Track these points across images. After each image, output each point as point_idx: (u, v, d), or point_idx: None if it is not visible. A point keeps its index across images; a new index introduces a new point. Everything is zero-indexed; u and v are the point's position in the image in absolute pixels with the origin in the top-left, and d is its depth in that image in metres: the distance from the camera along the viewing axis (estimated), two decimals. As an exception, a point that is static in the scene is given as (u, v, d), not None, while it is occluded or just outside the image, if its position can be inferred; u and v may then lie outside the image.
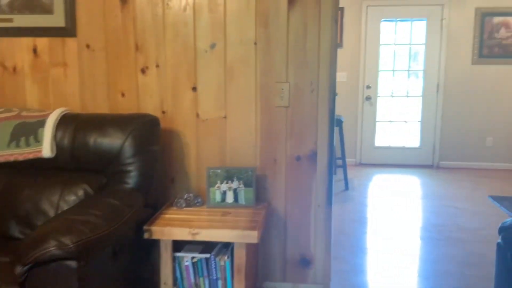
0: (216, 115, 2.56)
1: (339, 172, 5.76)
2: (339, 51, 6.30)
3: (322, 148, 2.56)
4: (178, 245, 2.31)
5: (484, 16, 6.07)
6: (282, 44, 2.48)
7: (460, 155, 6.40)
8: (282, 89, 2.51)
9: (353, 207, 4.57)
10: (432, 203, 4.74)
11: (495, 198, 4.91)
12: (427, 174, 6.02)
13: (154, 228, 2.19)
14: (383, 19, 6.32)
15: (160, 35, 2.53)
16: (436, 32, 6.22)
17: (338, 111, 6.32)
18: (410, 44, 6.41)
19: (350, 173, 5.84)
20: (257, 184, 2.56)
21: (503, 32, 6.08)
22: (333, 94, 2.56)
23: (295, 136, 2.55)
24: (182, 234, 2.18)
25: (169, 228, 2.18)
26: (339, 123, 5.12)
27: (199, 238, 2.17)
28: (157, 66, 2.55)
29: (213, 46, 2.50)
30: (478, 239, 3.73)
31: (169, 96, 2.56)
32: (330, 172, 2.62)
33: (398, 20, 6.36)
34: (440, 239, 3.71)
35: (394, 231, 3.91)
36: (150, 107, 2.58)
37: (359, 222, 4.13)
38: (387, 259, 3.33)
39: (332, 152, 2.61)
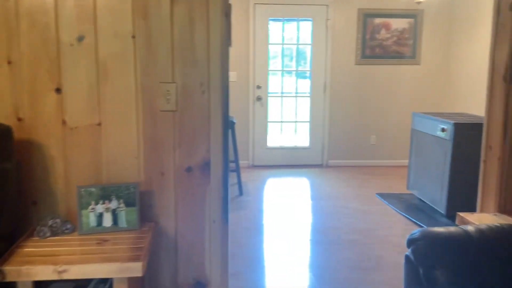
0: (88, 122, 2.13)
1: (233, 176, 5.52)
2: (228, 49, 6.06)
3: (216, 157, 2.26)
4: (43, 284, 1.87)
5: (366, 17, 6.25)
6: (166, 39, 2.13)
7: (347, 153, 6.54)
8: (168, 90, 2.17)
9: (248, 214, 4.36)
10: (325, 204, 4.71)
11: (382, 196, 5.03)
12: (318, 173, 6.05)
13: (8, 268, 1.72)
14: (271, 18, 6.21)
15: (12, 25, 2.03)
16: (322, 32, 6.27)
17: (229, 112, 6.07)
18: (298, 44, 6.39)
19: (244, 176, 5.63)
20: (141, 202, 2.18)
21: (383, 33, 6.31)
22: (226, 96, 2.29)
23: (185, 144, 2.22)
24: (46, 273, 1.74)
25: (28, 266, 1.73)
26: (231, 125, 4.88)
27: (68, 276, 1.75)
28: (9, 62, 2.05)
29: (81, 39, 2.07)
30: (373, 240, 3.71)
31: (26, 100, 2.07)
32: (225, 182, 2.33)
33: (286, 20, 6.30)
34: (336, 243, 3.63)
35: (291, 237, 3.76)
36: (0, 114, 2.07)
37: (255, 230, 3.91)
38: (285, 270, 3.15)
39: (227, 161, 2.33)
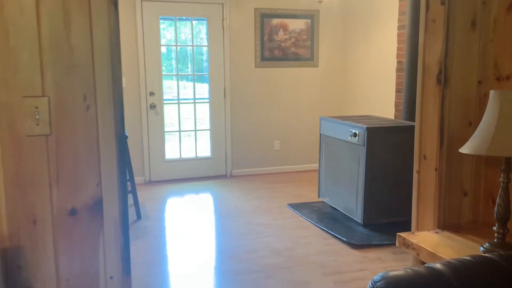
0: None
1: (129, 197, 4.86)
2: (115, 52, 5.35)
3: (110, 191, 1.71)
4: None
5: (263, 17, 5.94)
6: (30, 37, 1.54)
7: (251, 161, 6.18)
8: (37, 107, 1.57)
9: (149, 242, 3.75)
10: (235, 221, 4.27)
11: (294, 206, 4.73)
12: (223, 185, 5.59)
13: None
14: (162, 17, 5.63)
15: None
16: (218, 33, 5.84)
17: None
18: (193, 45, 5.89)
19: (140, 195, 5.00)
20: (6, 264, 1.56)
21: (281, 34, 6.05)
22: (120, 110, 1.74)
23: (65, 178, 1.64)
24: None
25: None
26: (124, 139, 4.23)
27: None
28: None
29: None
30: (295, 262, 3.35)
31: None
32: (125, 224, 1.78)
33: (178, 19, 5.77)
34: (255, 271, 3.20)
35: (203, 271, 3.25)
36: None
37: (159, 265, 3.33)
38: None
39: (125, 195, 1.78)
